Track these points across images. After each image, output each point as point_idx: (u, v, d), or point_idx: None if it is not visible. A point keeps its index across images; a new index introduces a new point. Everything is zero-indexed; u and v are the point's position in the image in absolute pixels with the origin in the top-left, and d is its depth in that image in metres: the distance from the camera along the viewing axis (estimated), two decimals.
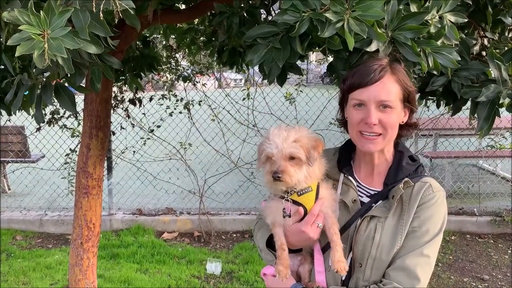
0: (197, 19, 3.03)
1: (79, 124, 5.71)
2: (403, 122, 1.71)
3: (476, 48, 2.02)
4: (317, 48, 1.72)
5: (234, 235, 6.11)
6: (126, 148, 6.40)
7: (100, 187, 2.73)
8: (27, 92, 1.81)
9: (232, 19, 2.07)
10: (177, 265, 5.14)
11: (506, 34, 2.06)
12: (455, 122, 6.64)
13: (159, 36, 3.92)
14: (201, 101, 6.36)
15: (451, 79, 1.85)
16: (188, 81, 5.83)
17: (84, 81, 1.95)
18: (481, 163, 8.07)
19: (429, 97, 2.18)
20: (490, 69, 1.80)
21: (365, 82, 1.61)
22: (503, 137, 6.31)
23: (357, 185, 1.78)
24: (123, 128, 6.15)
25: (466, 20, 1.73)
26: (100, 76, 1.84)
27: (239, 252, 5.51)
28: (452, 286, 4.80)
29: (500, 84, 1.74)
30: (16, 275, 4.89)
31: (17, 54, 1.31)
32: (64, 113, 5.57)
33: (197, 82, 6.19)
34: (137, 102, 5.22)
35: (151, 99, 6.06)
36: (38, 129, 5.66)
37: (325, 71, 2.27)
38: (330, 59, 1.95)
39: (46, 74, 1.84)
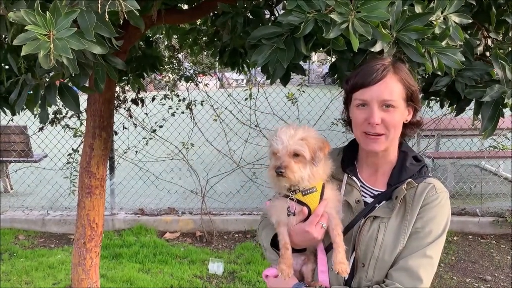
0: (199, 20, 3.04)
1: (81, 124, 5.72)
2: (407, 121, 1.71)
3: (480, 48, 2.01)
4: (321, 49, 1.72)
5: (236, 235, 6.11)
6: (129, 148, 6.41)
7: (103, 187, 2.74)
8: (31, 91, 1.81)
9: (237, 19, 2.07)
10: (179, 265, 5.15)
11: (510, 34, 2.06)
12: (458, 122, 6.63)
13: (161, 36, 3.93)
14: (203, 101, 6.37)
15: (455, 79, 1.85)
16: (190, 81, 5.83)
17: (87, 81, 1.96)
18: (483, 163, 8.06)
19: (433, 98, 2.17)
20: (494, 70, 1.80)
21: (367, 82, 1.61)
22: (505, 137, 6.30)
23: (361, 186, 1.78)
24: (125, 128, 6.16)
25: (470, 21, 1.73)
26: (104, 76, 1.84)
27: (241, 252, 5.52)
28: (455, 286, 4.79)
29: (504, 84, 1.73)
30: (19, 274, 4.90)
31: (22, 54, 1.31)
32: (67, 113, 5.58)
33: (199, 82, 6.19)
34: (139, 102, 5.22)
35: (153, 99, 6.06)
36: (41, 129, 5.67)
37: (327, 71, 2.27)
38: (333, 59, 1.95)
39: (50, 74, 1.84)
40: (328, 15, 1.44)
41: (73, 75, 1.73)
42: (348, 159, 1.82)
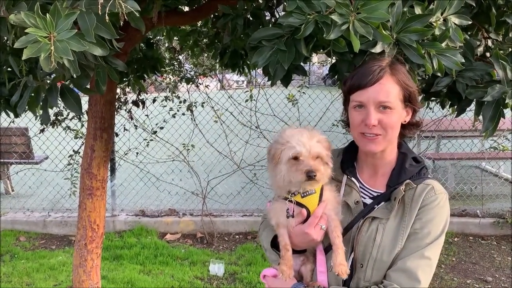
0: (200, 21, 3.05)
1: (82, 125, 5.72)
2: (405, 121, 1.71)
3: (480, 49, 2.01)
4: (322, 50, 1.72)
5: (237, 236, 6.11)
6: (129, 149, 6.41)
7: (104, 188, 2.74)
8: (33, 94, 1.82)
9: (237, 21, 2.08)
10: (180, 266, 5.15)
11: (510, 35, 2.06)
12: (458, 123, 6.63)
13: (162, 38, 3.93)
14: (204, 102, 6.38)
15: (455, 79, 1.85)
16: (191, 83, 5.84)
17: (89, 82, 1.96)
18: (483, 164, 8.05)
19: (433, 98, 2.17)
20: (494, 70, 1.80)
21: (364, 83, 1.61)
22: (505, 138, 6.30)
23: (360, 187, 1.78)
24: (126, 130, 6.17)
25: (470, 22, 1.73)
26: (105, 78, 1.84)
27: (242, 253, 5.52)
28: None
29: (505, 84, 1.74)
30: (20, 276, 4.90)
31: (24, 58, 1.31)
32: (68, 115, 5.59)
33: (200, 83, 6.20)
34: (140, 103, 5.23)
35: (154, 100, 6.08)
36: (42, 131, 5.67)
37: (328, 72, 2.27)
38: (333, 60, 1.95)
39: (52, 76, 1.85)
40: (328, 16, 1.44)
41: (74, 77, 1.74)
42: (347, 160, 1.83)
